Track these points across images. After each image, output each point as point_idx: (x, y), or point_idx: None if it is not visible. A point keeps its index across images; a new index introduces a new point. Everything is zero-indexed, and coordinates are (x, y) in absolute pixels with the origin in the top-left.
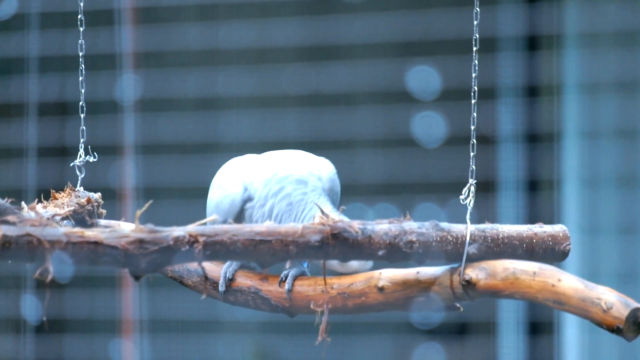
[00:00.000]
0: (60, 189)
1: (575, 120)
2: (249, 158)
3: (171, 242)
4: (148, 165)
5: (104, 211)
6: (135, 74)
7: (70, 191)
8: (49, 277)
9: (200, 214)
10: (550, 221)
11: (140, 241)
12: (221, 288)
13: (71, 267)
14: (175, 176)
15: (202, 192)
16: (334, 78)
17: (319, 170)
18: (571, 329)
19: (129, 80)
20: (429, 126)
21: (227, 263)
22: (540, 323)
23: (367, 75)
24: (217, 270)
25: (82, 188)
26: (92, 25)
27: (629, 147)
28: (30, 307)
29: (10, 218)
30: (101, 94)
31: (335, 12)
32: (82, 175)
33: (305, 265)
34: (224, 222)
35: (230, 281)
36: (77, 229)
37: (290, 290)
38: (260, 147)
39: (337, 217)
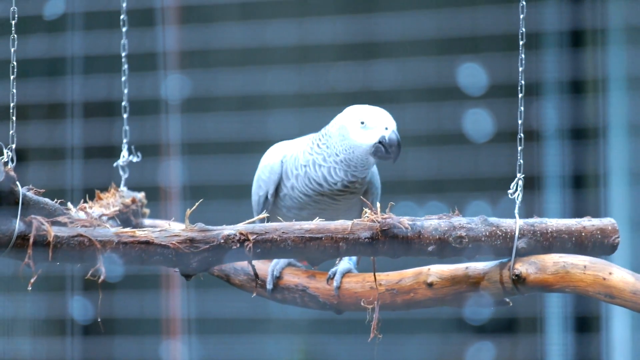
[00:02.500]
0: (106, 189)
1: (620, 114)
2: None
3: (222, 241)
4: (194, 165)
5: (147, 211)
6: (180, 74)
7: (115, 191)
8: (102, 278)
9: (246, 212)
10: (596, 216)
11: (191, 240)
12: (269, 286)
13: (121, 268)
14: (220, 175)
15: (247, 191)
16: (380, 75)
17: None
18: (619, 325)
19: (174, 79)
20: (477, 122)
21: (274, 261)
22: (588, 319)
23: (413, 72)
24: (265, 268)
25: (125, 188)
26: (137, 25)
27: None
28: (79, 308)
29: (61, 219)
30: (147, 93)
31: (380, 9)
32: (126, 176)
33: (354, 262)
34: (266, 194)
35: (277, 279)
36: (128, 229)
37: (338, 287)
38: None
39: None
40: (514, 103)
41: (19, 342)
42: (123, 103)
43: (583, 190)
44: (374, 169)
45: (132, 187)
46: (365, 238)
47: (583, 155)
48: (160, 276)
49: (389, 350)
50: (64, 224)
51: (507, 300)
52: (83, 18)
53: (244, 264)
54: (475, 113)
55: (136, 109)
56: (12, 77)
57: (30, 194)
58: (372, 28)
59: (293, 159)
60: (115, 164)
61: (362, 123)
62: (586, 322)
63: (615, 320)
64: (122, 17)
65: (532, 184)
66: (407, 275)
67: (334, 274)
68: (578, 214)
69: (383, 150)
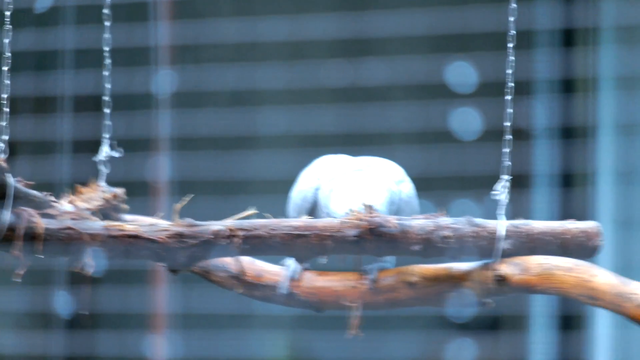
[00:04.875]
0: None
1: (610, 114)
2: (338, 157)
3: (210, 236)
4: (183, 160)
5: (127, 207)
6: (170, 69)
7: (95, 186)
8: (90, 271)
9: (235, 208)
10: (584, 216)
11: (180, 235)
12: (284, 291)
13: (106, 261)
14: (210, 171)
15: (236, 187)
16: (370, 72)
17: (398, 183)
18: (603, 324)
19: (165, 74)
20: (466, 120)
21: (292, 265)
22: (572, 317)
23: (403, 69)
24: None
25: (105, 184)
26: (128, 20)
27: None
28: (63, 302)
29: (50, 211)
30: (137, 88)
31: (371, 6)
32: (107, 171)
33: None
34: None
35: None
36: (117, 223)
37: (374, 281)
38: (296, 141)
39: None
40: (503, 102)
41: (1, 336)
42: (105, 97)
43: (571, 189)
44: (411, 198)
45: (120, 182)
46: (352, 236)
47: (572, 154)
48: (145, 271)
49: (372, 346)
50: (53, 217)
51: (489, 301)
52: (74, 11)
53: (222, 260)
54: (464, 111)
55: (126, 104)
56: (4, 69)
57: (20, 185)
58: (364, 25)
59: (328, 191)
60: (94, 159)
61: None
62: (570, 321)
63: (599, 318)
64: (106, 10)
65: (521, 183)
66: (388, 274)
67: (369, 270)
68: (566, 212)
69: None
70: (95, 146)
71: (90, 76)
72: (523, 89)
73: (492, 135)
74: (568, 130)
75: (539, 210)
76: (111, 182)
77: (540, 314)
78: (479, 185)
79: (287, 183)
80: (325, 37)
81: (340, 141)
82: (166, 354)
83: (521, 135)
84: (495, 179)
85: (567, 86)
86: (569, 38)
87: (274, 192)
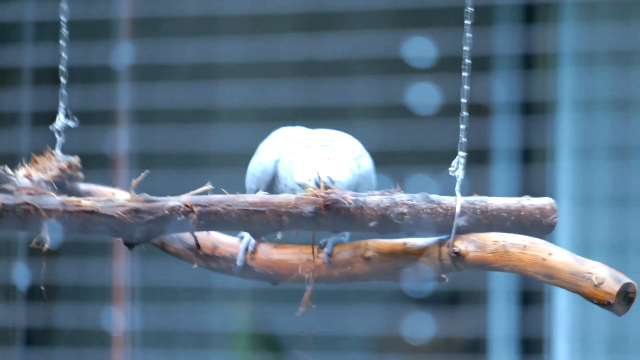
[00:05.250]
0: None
1: (570, 90)
2: (297, 129)
3: (166, 212)
4: (142, 133)
5: (81, 176)
6: (130, 42)
7: (50, 155)
8: (46, 246)
9: (195, 182)
10: (543, 192)
11: (136, 211)
12: (239, 263)
13: (63, 234)
14: (169, 144)
15: (196, 161)
16: (329, 47)
17: (357, 157)
18: (562, 300)
19: (125, 47)
20: (424, 95)
21: (247, 237)
22: (532, 293)
23: (362, 44)
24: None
25: (60, 152)
26: None
27: (623, 119)
28: (21, 275)
29: (7, 187)
30: (96, 61)
31: None
32: (63, 140)
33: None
34: (257, 190)
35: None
36: (74, 198)
37: (330, 255)
38: (255, 115)
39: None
40: (462, 77)
41: None
42: (62, 67)
43: (531, 165)
44: (370, 174)
45: (79, 155)
46: (308, 212)
47: (531, 130)
48: (105, 243)
49: (332, 320)
50: (11, 192)
51: (444, 276)
52: None
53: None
54: (423, 86)
55: (86, 77)
56: None
57: None
58: None
59: (289, 163)
60: (50, 127)
61: None
62: (530, 296)
63: (559, 293)
64: None
65: (480, 158)
66: (344, 249)
67: (325, 243)
68: (525, 189)
69: None
70: (54, 118)
71: (50, 49)
72: (483, 64)
73: (451, 110)
74: (528, 106)
75: (499, 186)
76: (71, 155)
77: (500, 289)
78: (436, 161)
79: (247, 156)
80: (285, 11)
81: (299, 115)
82: (125, 326)
83: (481, 111)
84: (453, 154)
85: (527, 62)
86: (529, 14)
87: (233, 165)
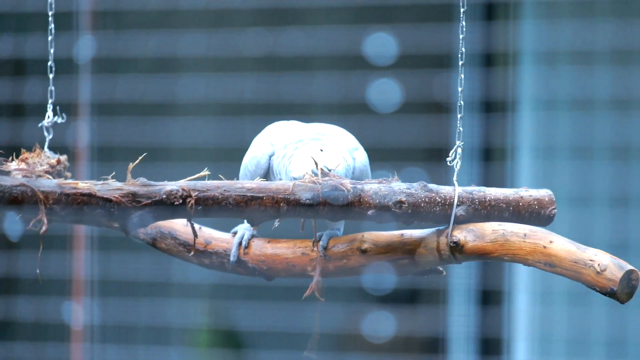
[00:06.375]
0: (15, 149)
1: (530, 89)
2: (290, 123)
3: (164, 196)
4: (103, 126)
5: (69, 174)
6: (92, 34)
7: (40, 151)
8: (43, 229)
9: (156, 175)
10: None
11: (134, 194)
12: (233, 258)
13: (22, 226)
14: (129, 137)
15: (157, 153)
16: (291, 42)
17: (353, 150)
18: (522, 300)
19: (86, 40)
20: (385, 92)
21: (239, 233)
22: (491, 292)
23: (323, 39)
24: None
25: (47, 149)
26: None
27: (584, 117)
28: None
29: (3, 167)
30: (58, 53)
31: None
32: (50, 136)
33: (338, 229)
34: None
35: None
36: (70, 181)
37: (325, 248)
38: (216, 109)
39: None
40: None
41: None
42: (50, 62)
43: (491, 162)
44: (366, 167)
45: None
46: (306, 199)
47: (492, 128)
48: (65, 236)
49: (293, 317)
50: (7, 173)
51: (441, 269)
52: None
53: (171, 228)
54: (383, 83)
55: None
56: None
57: None
58: None
59: (284, 157)
60: (40, 125)
61: None
62: (489, 295)
63: (518, 294)
64: None
65: (440, 156)
66: (340, 241)
67: (320, 237)
68: (485, 186)
69: None
70: (14, 110)
71: (9, 40)
72: (444, 62)
73: (411, 107)
74: (488, 104)
75: (459, 183)
76: (29, 147)
77: (460, 288)
78: (396, 157)
79: (207, 150)
80: (247, 5)
81: (260, 109)
82: (84, 320)
83: (440, 108)
84: (412, 150)
85: (488, 60)
86: (490, 12)
87: (194, 159)
